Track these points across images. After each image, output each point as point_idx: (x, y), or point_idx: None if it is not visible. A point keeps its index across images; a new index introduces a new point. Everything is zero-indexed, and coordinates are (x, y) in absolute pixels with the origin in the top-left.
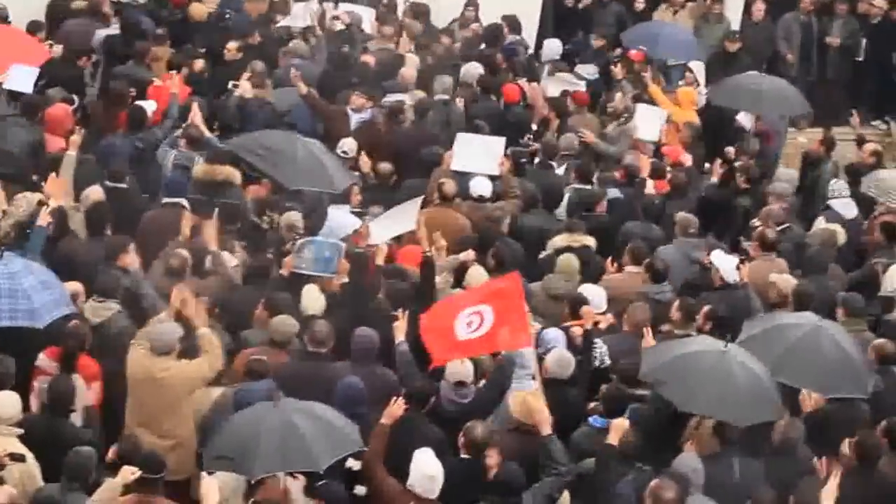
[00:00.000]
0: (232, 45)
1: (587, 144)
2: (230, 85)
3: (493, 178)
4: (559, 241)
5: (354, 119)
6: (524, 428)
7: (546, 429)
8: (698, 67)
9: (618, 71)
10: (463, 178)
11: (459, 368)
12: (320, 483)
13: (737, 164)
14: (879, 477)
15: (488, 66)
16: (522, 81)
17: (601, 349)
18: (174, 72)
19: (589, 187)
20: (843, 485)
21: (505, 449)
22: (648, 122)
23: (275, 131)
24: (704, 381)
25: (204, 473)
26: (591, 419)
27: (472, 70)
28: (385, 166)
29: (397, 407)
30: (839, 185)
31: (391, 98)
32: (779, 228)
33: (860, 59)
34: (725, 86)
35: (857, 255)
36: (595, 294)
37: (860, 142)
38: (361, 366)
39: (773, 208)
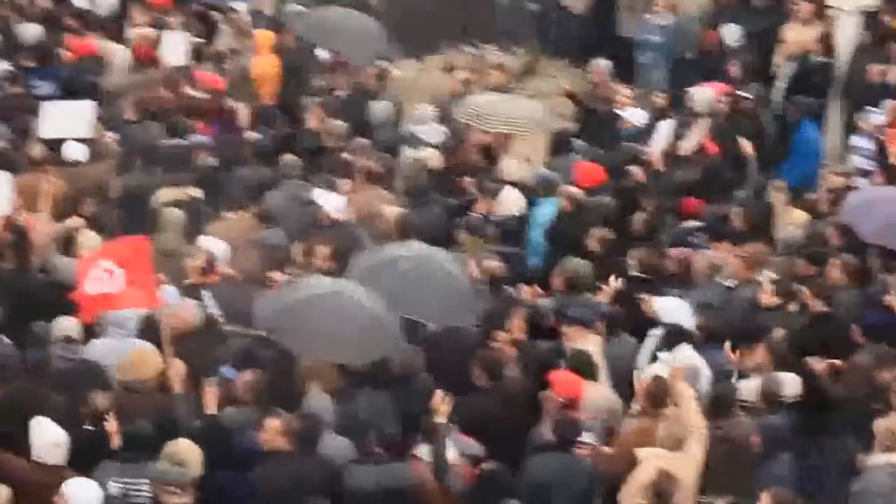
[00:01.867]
0: None
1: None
2: None
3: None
4: (165, 195)
5: None
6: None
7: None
8: None
9: None
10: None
11: (66, 324)
12: None
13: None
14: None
15: None
16: None
17: (209, 300)
18: None
19: (185, 142)
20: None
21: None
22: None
23: None
24: (319, 323)
25: None
26: (222, 369)
27: None
28: None
29: None
30: (423, 113)
31: None
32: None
33: None
34: (309, 18)
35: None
36: (215, 246)
37: (449, 69)
38: None
39: (360, 141)
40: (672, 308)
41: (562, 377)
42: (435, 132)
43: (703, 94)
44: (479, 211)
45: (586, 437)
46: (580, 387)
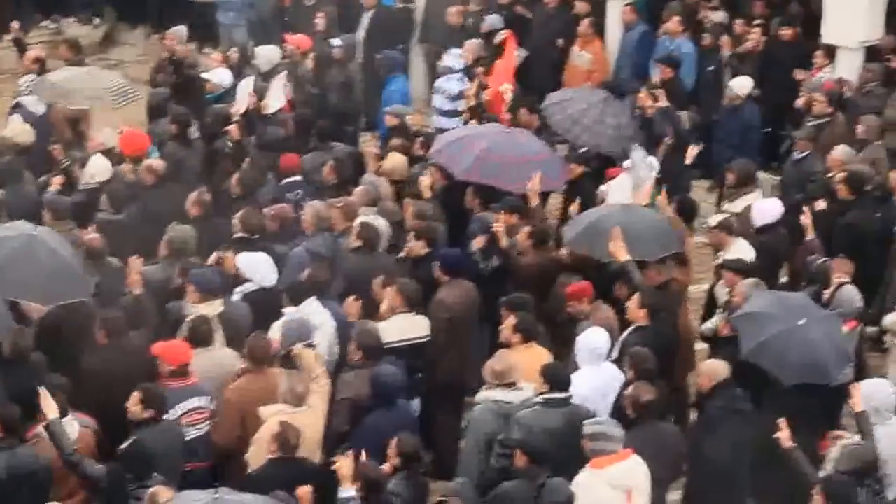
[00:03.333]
0: None
1: None
2: None
3: None
4: None
5: None
6: None
7: None
8: None
9: None
10: None
11: None
12: None
13: None
14: None
15: None
16: None
17: None
18: None
19: None
20: None
21: None
22: None
23: None
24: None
25: None
26: None
27: None
28: None
29: None
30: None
31: None
32: None
33: None
34: None
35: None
36: None
37: (21, 48)
38: None
39: None
40: (254, 263)
41: (168, 346)
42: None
43: (266, 52)
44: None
45: (201, 402)
46: (188, 353)
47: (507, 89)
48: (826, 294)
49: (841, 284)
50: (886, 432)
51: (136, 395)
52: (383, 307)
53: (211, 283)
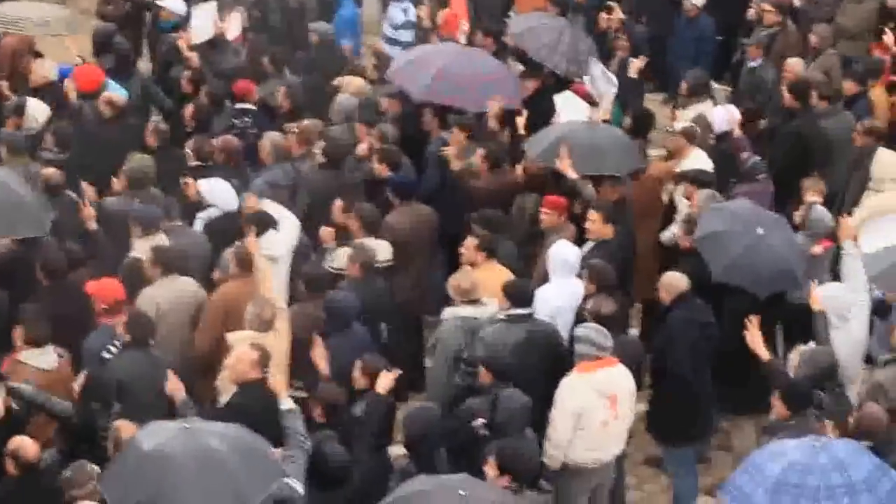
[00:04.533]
0: None
1: None
2: None
3: None
4: None
5: None
6: None
7: None
8: None
9: None
10: None
11: None
12: None
13: None
14: None
15: None
16: None
17: None
18: None
19: None
20: None
21: None
22: None
23: None
24: None
25: None
26: None
27: None
28: None
29: None
30: None
31: None
32: None
33: None
34: None
35: None
36: None
37: None
38: None
39: None
40: (215, 188)
41: (101, 284)
42: None
43: None
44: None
45: None
46: (120, 290)
47: (464, 24)
48: (797, 215)
49: (812, 204)
50: (844, 336)
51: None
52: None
53: (151, 216)
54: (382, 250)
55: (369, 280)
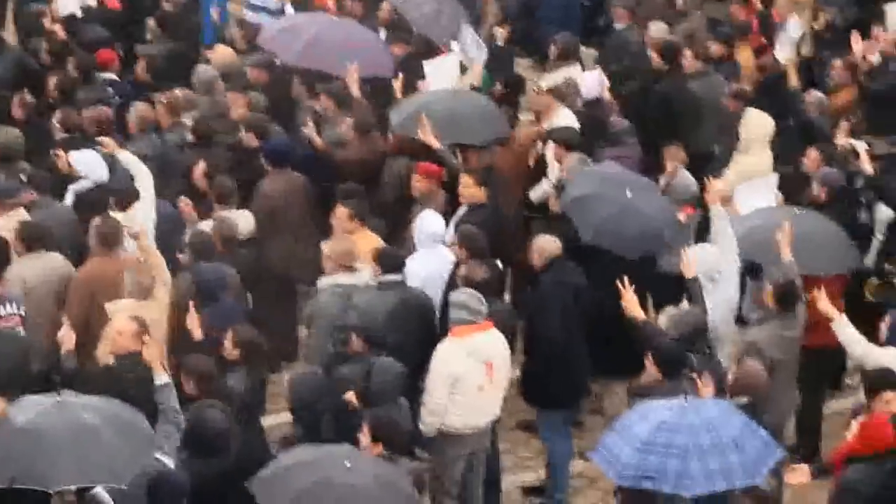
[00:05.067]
0: None
1: None
2: None
3: None
4: None
5: None
6: None
7: None
8: None
9: None
10: None
11: None
12: None
13: None
14: None
15: None
16: None
17: None
18: None
19: None
20: None
21: None
22: None
23: None
24: None
25: None
26: None
27: None
28: None
29: None
30: None
31: None
32: None
33: None
34: None
35: None
36: None
37: None
38: None
39: None
40: (87, 160)
41: None
42: None
43: None
44: None
45: (9, 309)
46: None
47: None
48: (661, 181)
49: (675, 171)
50: (715, 297)
51: None
52: None
53: (9, 190)
54: (245, 221)
55: (234, 252)
